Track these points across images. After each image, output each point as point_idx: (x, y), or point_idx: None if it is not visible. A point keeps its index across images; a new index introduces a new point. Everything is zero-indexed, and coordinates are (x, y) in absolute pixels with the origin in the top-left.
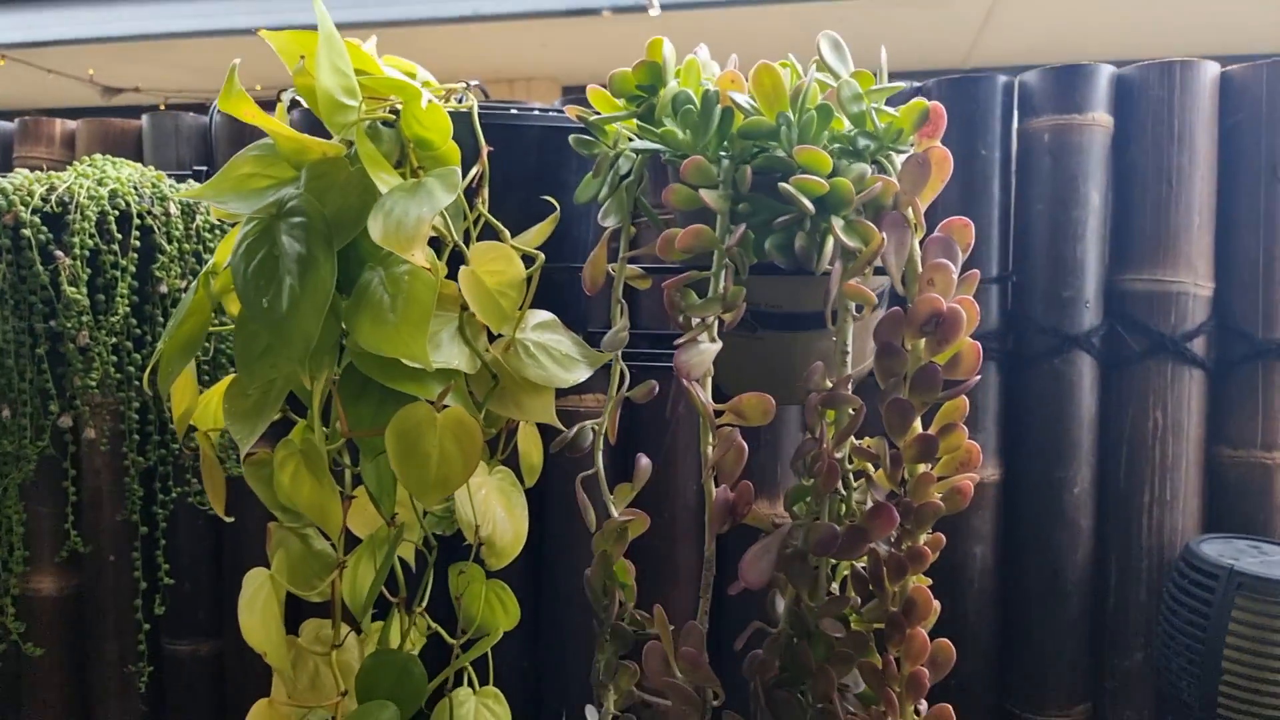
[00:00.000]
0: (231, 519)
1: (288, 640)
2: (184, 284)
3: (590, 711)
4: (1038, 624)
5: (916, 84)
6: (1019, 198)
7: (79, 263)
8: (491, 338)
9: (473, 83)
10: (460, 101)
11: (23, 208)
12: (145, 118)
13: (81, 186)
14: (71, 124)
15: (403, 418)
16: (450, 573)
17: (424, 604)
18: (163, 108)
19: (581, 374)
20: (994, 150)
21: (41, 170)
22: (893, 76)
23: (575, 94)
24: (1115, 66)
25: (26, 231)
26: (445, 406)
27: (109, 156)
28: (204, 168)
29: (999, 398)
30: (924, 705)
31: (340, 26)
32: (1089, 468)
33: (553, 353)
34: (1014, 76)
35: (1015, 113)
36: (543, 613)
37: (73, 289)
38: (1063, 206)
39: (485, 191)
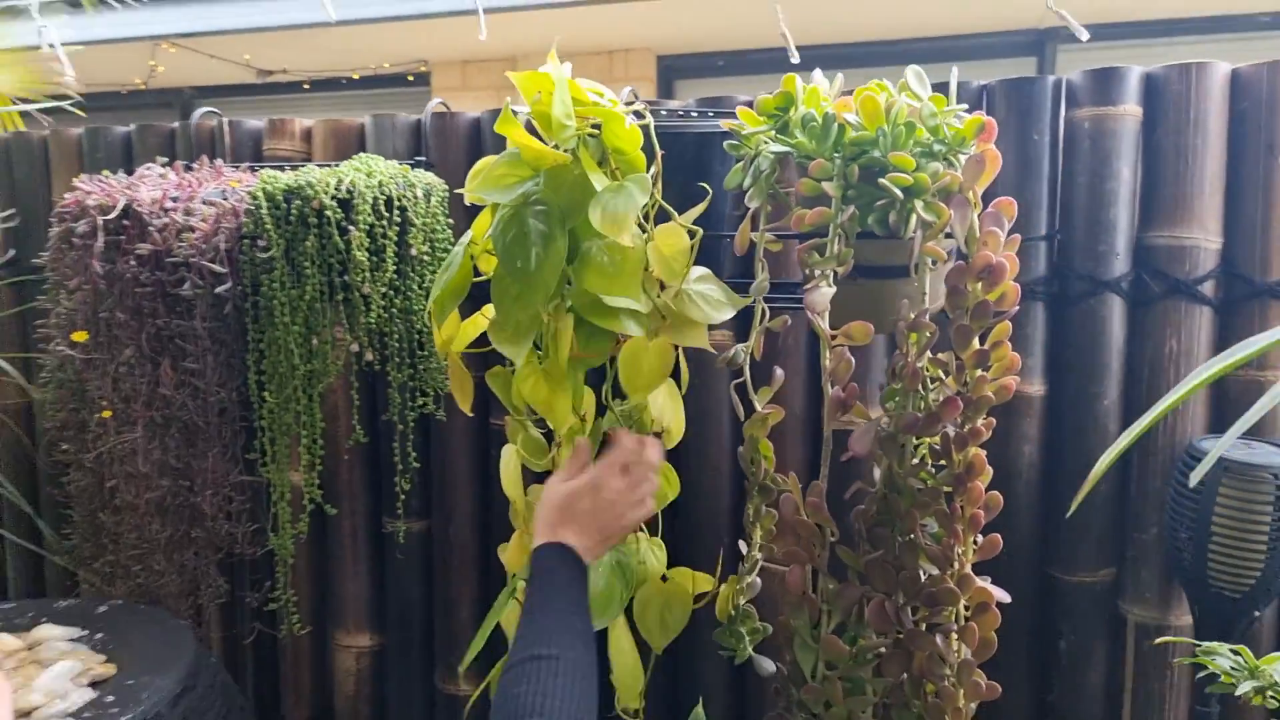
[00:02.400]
0: (472, 414)
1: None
2: (427, 247)
3: (743, 545)
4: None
5: (982, 83)
6: (1065, 172)
7: (361, 234)
8: (662, 287)
9: (641, 101)
10: (640, 117)
11: (324, 196)
12: (368, 118)
13: (359, 179)
14: (308, 122)
15: (630, 345)
16: None
17: None
18: (307, 87)
19: (727, 314)
20: (1045, 135)
21: (287, 161)
22: (978, 38)
23: (669, 61)
24: (1143, 68)
25: (327, 213)
26: (654, 338)
27: (373, 155)
28: (422, 158)
29: (1045, 330)
30: (979, 539)
31: (463, 13)
32: (1116, 385)
33: (708, 298)
34: (1062, 77)
35: (1063, 105)
36: (684, 488)
37: (359, 253)
38: (1099, 179)
39: (660, 183)
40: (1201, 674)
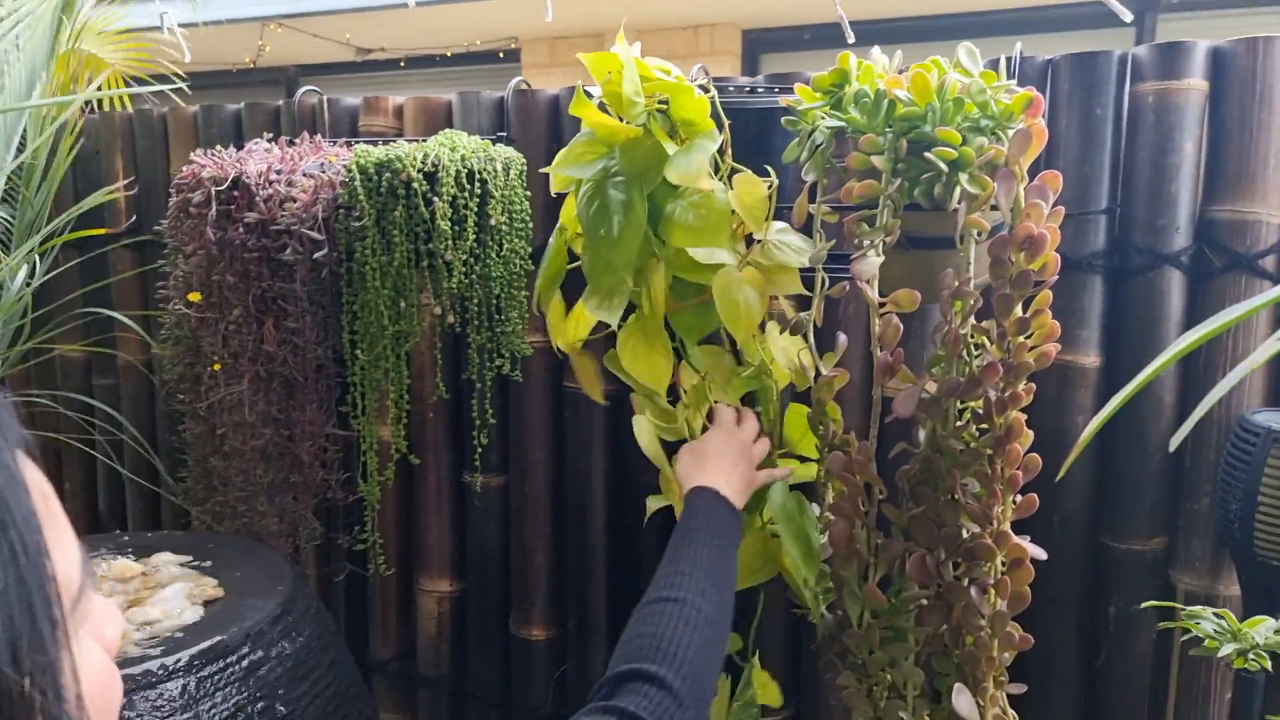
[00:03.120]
0: (607, 402)
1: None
2: (505, 218)
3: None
4: (1126, 475)
5: (1047, 58)
6: (1127, 146)
7: (445, 205)
8: (748, 244)
9: (709, 78)
10: (705, 92)
11: (412, 169)
12: (455, 95)
13: (443, 154)
14: (400, 99)
15: (721, 275)
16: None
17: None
18: (402, 65)
19: (808, 259)
20: (1108, 110)
21: (380, 136)
22: (1062, 8)
23: (755, 35)
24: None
25: (415, 185)
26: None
27: (457, 130)
28: (504, 134)
29: (1103, 303)
30: (1019, 498)
31: None
32: None
33: (792, 245)
34: (1128, 51)
35: (1127, 79)
36: None
37: (443, 223)
38: (1162, 153)
39: (730, 151)
40: (1185, 637)
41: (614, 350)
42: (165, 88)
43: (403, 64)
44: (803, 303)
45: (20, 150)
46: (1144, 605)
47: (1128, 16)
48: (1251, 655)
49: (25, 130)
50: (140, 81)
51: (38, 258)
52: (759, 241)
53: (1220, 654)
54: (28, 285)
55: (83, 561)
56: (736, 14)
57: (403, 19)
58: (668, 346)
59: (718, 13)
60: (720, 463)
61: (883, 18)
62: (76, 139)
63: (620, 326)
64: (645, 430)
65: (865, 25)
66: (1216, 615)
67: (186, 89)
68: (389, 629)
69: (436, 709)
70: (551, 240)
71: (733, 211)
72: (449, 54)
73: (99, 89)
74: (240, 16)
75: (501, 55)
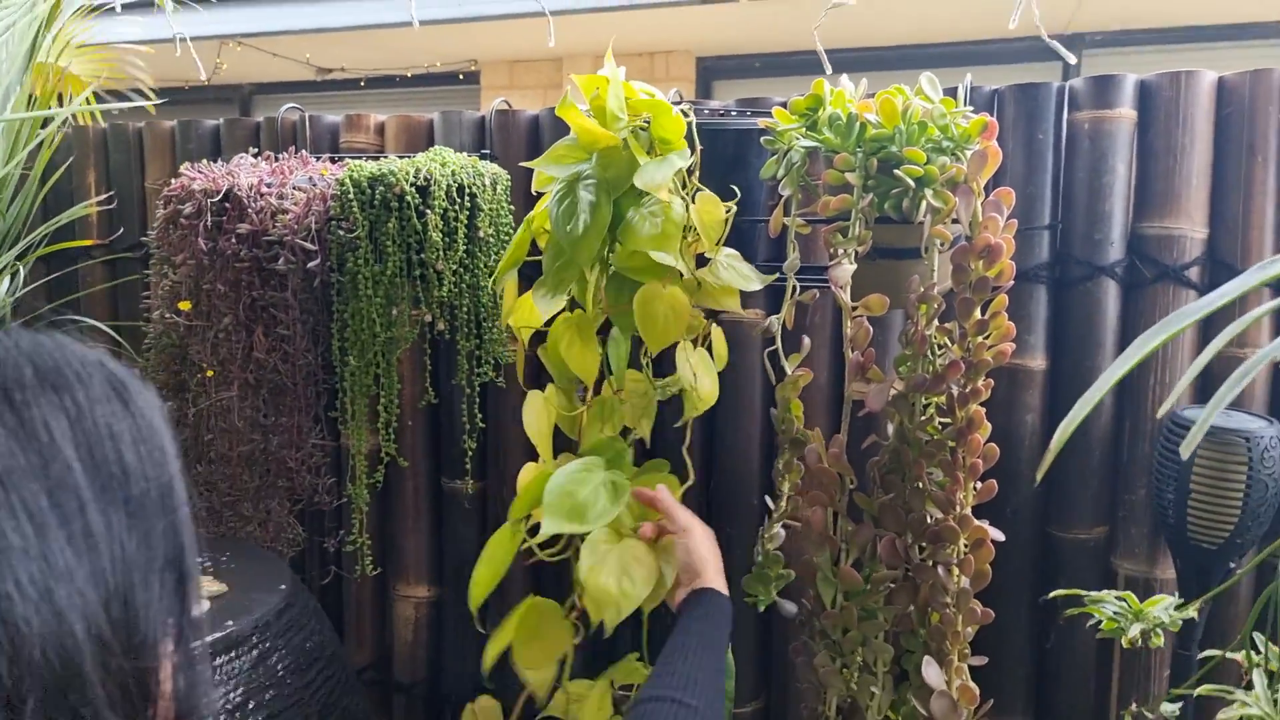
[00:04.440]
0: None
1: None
2: (492, 230)
3: (769, 500)
4: (1072, 469)
5: (994, 87)
6: (1066, 168)
7: (436, 217)
8: (698, 264)
9: (686, 101)
10: (684, 114)
11: (405, 183)
12: (438, 114)
13: (435, 169)
14: (381, 116)
15: (644, 291)
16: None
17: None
18: (362, 85)
19: (756, 285)
20: (1049, 135)
21: (362, 152)
22: (1001, 43)
23: (708, 63)
24: (1138, 75)
25: (408, 198)
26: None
27: (444, 148)
28: (487, 150)
29: (1048, 310)
30: (979, 485)
31: (512, 16)
32: (1110, 360)
33: (739, 269)
34: (1065, 82)
35: (1065, 108)
36: (720, 451)
37: (435, 234)
38: (1097, 174)
39: (698, 172)
40: (1090, 623)
41: (550, 341)
42: (140, 103)
43: (363, 84)
44: (770, 311)
45: None
46: (1051, 595)
47: (1072, 59)
48: (1155, 631)
49: None
50: (117, 96)
51: (21, 269)
52: (709, 260)
53: (1129, 635)
54: (9, 298)
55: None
56: (691, 42)
57: (364, 40)
58: (597, 346)
59: (673, 40)
60: (713, 562)
61: (837, 48)
62: (52, 154)
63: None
64: (536, 408)
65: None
66: (1118, 598)
67: (151, 108)
68: (365, 636)
69: (412, 715)
70: (519, 229)
71: (689, 228)
72: (409, 75)
73: (83, 103)
74: (201, 34)
75: (461, 77)
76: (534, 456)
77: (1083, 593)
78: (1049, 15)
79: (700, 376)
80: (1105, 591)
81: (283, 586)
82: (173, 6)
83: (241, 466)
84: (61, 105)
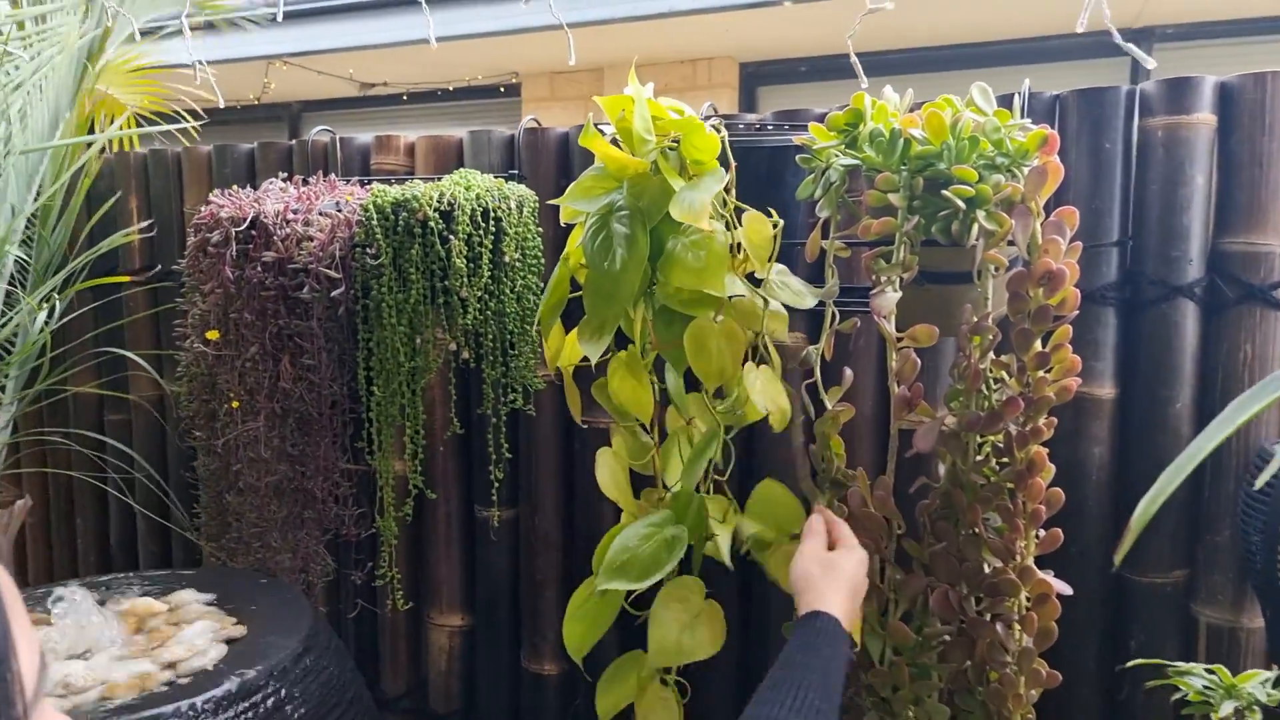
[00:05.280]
0: (585, 424)
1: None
2: (518, 254)
3: None
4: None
5: (1054, 93)
6: (1138, 179)
7: (460, 243)
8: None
9: (718, 115)
10: (716, 130)
11: (428, 208)
12: (466, 134)
13: (459, 192)
14: (411, 137)
15: (695, 326)
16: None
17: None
18: (405, 99)
19: (810, 302)
20: (1117, 144)
21: (392, 174)
22: (1062, 39)
23: (751, 69)
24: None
25: (431, 224)
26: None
27: (470, 170)
28: (515, 171)
29: (1117, 335)
30: (1041, 532)
31: (553, 28)
32: (1189, 389)
33: (791, 286)
34: (1135, 86)
35: (1135, 114)
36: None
37: (459, 260)
38: (1172, 186)
39: (734, 190)
40: (1176, 696)
41: (603, 380)
42: (174, 127)
43: (405, 98)
44: (810, 337)
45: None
46: (1129, 664)
47: (1152, 63)
48: (1248, 711)
49: (44, 171)
50: (159, 119)
51: (56, 300)
52: (762, 280)
53: (1220, 715)
54: (47, 325)
55: (40, 651)
56: (733, 48)
57: (406, 55)
58: (649, 382)
59: (715, 47)
60: (853, 590)
61: (884, 50)
62: (94, 180)
63: (611, 356)
64: (608, 464)
65: (868, 57)
66: (1208, 670)
67: (194, 129)
68: (399, 665)
69: None
70: (556, 269)
71: (737, 247)
72: (451, 88)
73: (120, 128)
74: (252, 55)
75: (503, 90)
76: (565, 483)
77: (1165, 663)
78: (1115, 8)
79: (773, 397)
80: (1192, 664)
81: (302, 628)
82: (228, 28)
83: (269, 496)
84: (103, 130)
